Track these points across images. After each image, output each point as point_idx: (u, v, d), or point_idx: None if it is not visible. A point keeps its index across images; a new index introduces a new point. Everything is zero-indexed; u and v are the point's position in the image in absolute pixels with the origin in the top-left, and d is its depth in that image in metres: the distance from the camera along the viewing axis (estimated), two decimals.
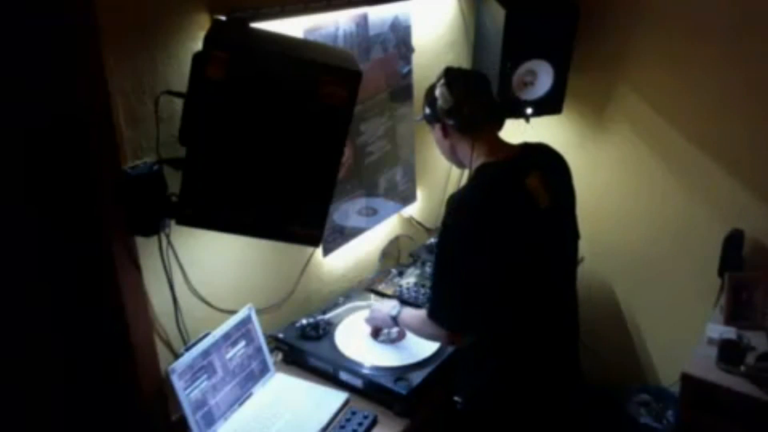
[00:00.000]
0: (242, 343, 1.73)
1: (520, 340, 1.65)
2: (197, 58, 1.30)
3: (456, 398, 1.73)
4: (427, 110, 1.72)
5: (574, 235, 1.75)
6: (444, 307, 1.62)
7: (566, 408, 1.74)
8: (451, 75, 1.67)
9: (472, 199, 1.59)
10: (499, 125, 1.71)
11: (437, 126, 1.71)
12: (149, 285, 1.56)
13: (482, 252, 1.55)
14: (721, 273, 2.29)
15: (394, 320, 1.81)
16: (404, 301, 2.04)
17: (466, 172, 2.53)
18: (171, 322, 1.64)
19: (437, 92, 1.66)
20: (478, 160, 1.65)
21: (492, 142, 1.66)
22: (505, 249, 1.56)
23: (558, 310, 1.71)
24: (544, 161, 1.69)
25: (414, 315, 1.77)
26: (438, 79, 1.68)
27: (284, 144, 1.38)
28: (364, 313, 1.97)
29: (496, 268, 1.57)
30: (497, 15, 2.23)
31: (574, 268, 1.77)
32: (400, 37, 2.13)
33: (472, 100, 1.63)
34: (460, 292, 1.59)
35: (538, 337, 1.66)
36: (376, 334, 1.89)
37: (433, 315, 1.64)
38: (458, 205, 1.59)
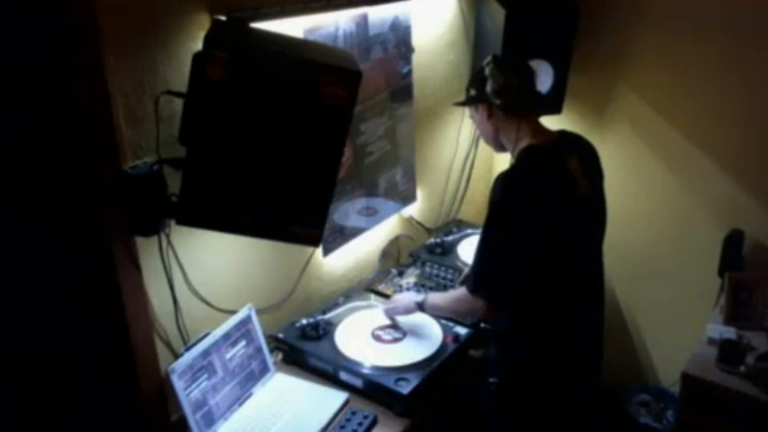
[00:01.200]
0: (242, 343, 1.73)
1: (554, 320, 1.71)
2: (197, 58, 1.30)
3: (491, 379, 1.77)
4: (473, 92, 1.78)
5: (604, 219, 1.82)
6: (487, 280, 1.66)
7: (590, 393, 1.82)
8: (501, 58, 1.74)
9: (520, 177, 1.65)
10: (538, 112, 1.79)
11: (481, 107, 1.77)
12: (149, 285, 1.56)
13: (526, 231, 1.60)
14: (721, 273, 2.29)
15: (420, 306, 1.83)
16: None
17: (466, 174, 2.55)
18: (171, 322, 1.64)
19: (487, 72, 1.72)
20: (522, 142, 1.71)
21: (535, 126, 1.74)
22: (546, 229, 1.62)
23: (589, 295, 1.79)
24: (581, 148, 1.78)
25: (444, 296, 1.83)
26: (486, 63, 1.74)
27: (284, 144, 1.38)
28: (364, 313, 1.97)
29: (537, 248, 1.62)
30: (497, 15, 2.23)
31: (601, 255, 1.84)
32: (400, 37, 2.13)
33: (522, 83, 1.71)
34: (503, 268, 1.64)
35: (570, 319, 1.73)
36: (376, 332, 1.89)
37: (476, 288, 1.67)
38: (506, 182, 1.63)
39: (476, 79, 1.77)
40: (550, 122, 2.50)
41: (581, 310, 1.77)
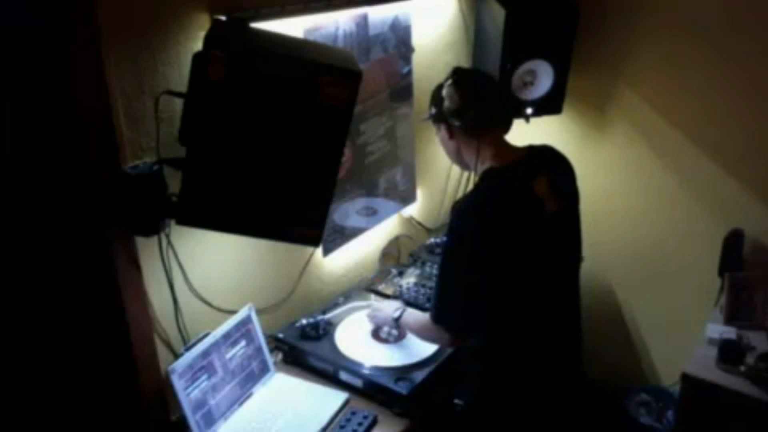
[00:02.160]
0: (242, 343, 1.73)
1: (523, 344, 1.66)
2: (197, 58, 1.30)
3: (456, 401, 1.73)
4: (433, 110, 1.71)
5: (578, 239, 1.75)
6: (449, 311, 1.62)
7: (567, 410, 1.74)
8: (459, 75, 1.65)
9: (478, 206, 1.57)
10: (506, 128, 1.68)
11: (443, 126, 1.69)
12: (149, 285, 1.56)
13: (488, 258, 1.55)
14: (721, 273, 2.28)
15: (396, 322, 1.82)
16: (404, 302, 2.04)
17: (466, 174, 2.54)
18: (171, 322, 1.64)
19: (444, 92, 1.64)
20: (483, 164, 1.64)
21: (498, 146, 1.65)
22: (510, 255, 1.56)
23: (561, 315, 1.71)
24: (551, 164, 1.68)
25: (417, 318, 1.77)
26: (446, 79, 1.67)
27: (284, 144, 1.38)
28: (365, 313, 1.97)
29: (501, 274, 1.57)
30: (497, 15, 2.23)
31: (577, 272, 1.77)
32: (400, 37, 2.13)
33: (479, 103, 1.62)
34: (465, 297, 1.60)
35: (541, 341, 1.67)
36: (376, 332, 1.89)
37: (438, 319, 1.64)
38: (464, 211, 1.57)
39: (435, 96, 1.70)
40: (550, 122, 2.52)
41: (553, 328, 1.69)
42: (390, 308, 1.86)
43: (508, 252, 1.56)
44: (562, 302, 1.72)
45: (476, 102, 1.61)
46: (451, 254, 1.59)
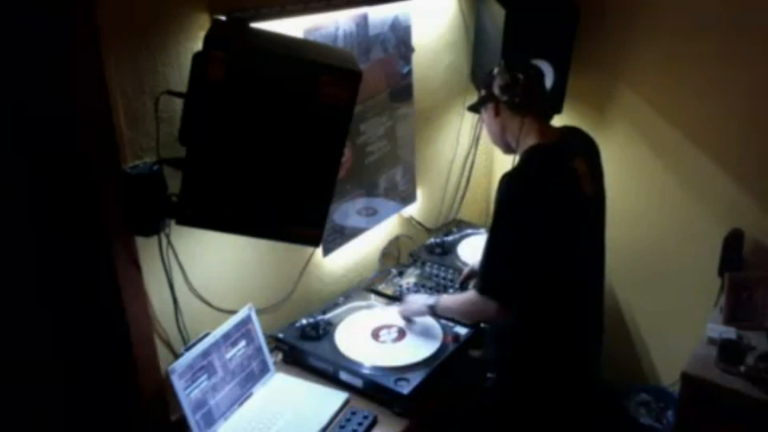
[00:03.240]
0: (242, 343, 1.73)
1: (556, 318, 1.72)
2: (197, 58, 1.30)
3: (489, 374, 1.79)
4: (483, 92, 1.81)
5: (603, 224, 1.84)
6: (497, 280, 1.67)
7: (577, 405, 1.81)
8: (511, 60, 1.78)
9: (525, 177, 1.65)
10: (547, 116, 1.81)
11: (490, 106, 1.78)
12: (149, 285, 1.56)
13: (533, 227, 1.61)
14: (721, 273, 2.29)
15: (432, 309, 1.84)
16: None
17: (466, 174, 2.55)
18: (171, 322, 1.64)
19: (496, 72, 1.75)
20: (527, 142, 1.72)
21: (541, 125, 1.74)
22: (553, 227, 1.63)
23: (590, 293, 1.80)
24: (585, 146, 1.80)
25: (457, 298, 1.83)
26: (497, 65, 1.78)
27: (284, 144, 1.38)
28: (364, 313, 1.97)
29: (544, 245, 1.62)
30: (497, 15, 2.23)
31: (604, 255, 1.85)
32: (400, 37, 2.13)
33: (528, 80, 1.73)
34: (512, 266, 1.64)
35: (571, 317, 1.74)
36: (376, 332, 1.89)
37: (484, 290, 1.68)
38: (510, 182, 1.64)
39: (486, 80, 1.80)
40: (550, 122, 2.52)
41: (582, 308, 1.78)
42: (419, 300, 1.90)
43: (550, 225, 1.62)
44: (591, 284, 1.81)
45: (525, 79, 1.72)
46: (499, 225, 1.65)
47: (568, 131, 1.81)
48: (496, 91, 1.74)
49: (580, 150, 1.75)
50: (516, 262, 1.64)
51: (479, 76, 1.84)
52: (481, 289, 1.69)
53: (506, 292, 1.66)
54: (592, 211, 1.75)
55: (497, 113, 1.77)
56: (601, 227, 1.82)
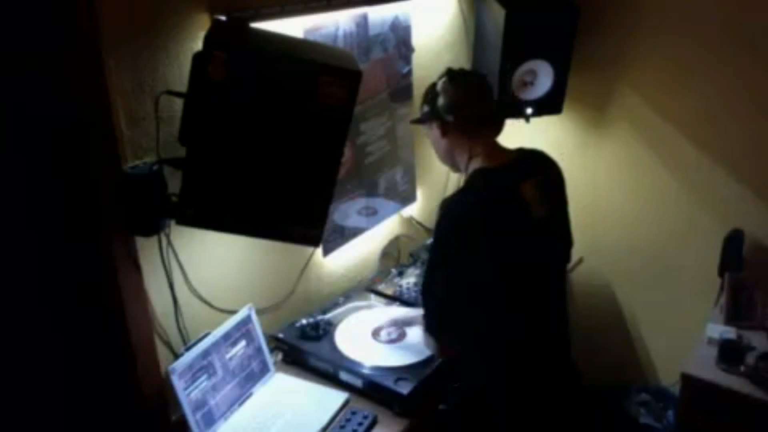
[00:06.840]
0: (242, 343, 1.73)
1: (507, 347, 1.64)
2: (197, 58, 1.30)
3: (441, 406, 1.75)
4: (426, 108, 1.70)
5: (566, 243, 1.74)
6: (434, 318, 1.65)
7: (559, 411, 1.72)
8: (453, 73, 1.66)
9: (465, 206, 1.57)
10: (497, 130, 1.67)
11: (435, 125, 1.69)
12: (149, 285, 1.56)
13: (473, 258, 1.54)
14: (721, 273, 2.29)
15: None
16: (404, 302, 2.05)
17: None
18: (171, 322, 1.64)
19: (439, 88, 1.65)
20: (473, 164, 1.64)
21: (489, 146, 1.65)
22: (495, 257, 1.55)
23: (546, 318, 1.69)
24: (540, 169, 1.67)
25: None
26: (440, 78, 1.67)
27: (284, 144, 1.38)
28: (364, 313, 1.97)
29: (485, 275, 1.56)
30: (497, 15, 2.23)
31: (563, 276, 1.77)
32: (400, 37, 2.13)
33: (476, 99, 1.63)
34: (442, 297, 1.61)
35: (526, 344, 1.65)
36: (376, 332, 1.89)
37: (427, 326, 1.67)
38: (450, 210, 1.58)
39: (428, 95, 1.69)
40: (550, 122, 2.52)
41: (539, 332, 1.67)
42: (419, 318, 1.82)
43: (491, 254, 1.55)
44: (546, 308, 1.69)
45: (472, 98, 1.63)
46: (433, 258, 1.62)
47: (524, 154, 1.67)
48: (441, 109, 1.63)
49: (531, 173, 1.60)
50: (446, 293, 1.59)
51: (424, 90, 1.73)
52: (425, 327, 1.68)
53: (442, 330, 1.65)
54: (544, 232, 1.62)
55: (444, 133, 1.66)
56: (555, 246, 1.69)
